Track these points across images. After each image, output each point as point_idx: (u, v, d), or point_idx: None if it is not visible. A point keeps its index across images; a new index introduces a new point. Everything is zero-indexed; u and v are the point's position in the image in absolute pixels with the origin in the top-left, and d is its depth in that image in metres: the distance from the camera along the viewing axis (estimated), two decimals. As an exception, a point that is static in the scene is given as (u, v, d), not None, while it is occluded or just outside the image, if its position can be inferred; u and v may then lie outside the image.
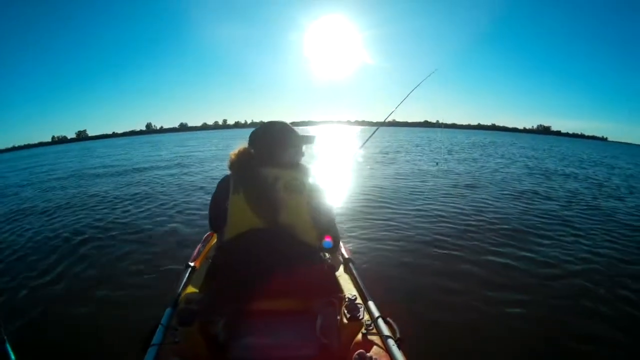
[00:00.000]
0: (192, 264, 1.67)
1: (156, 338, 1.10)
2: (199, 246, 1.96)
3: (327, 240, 1.36)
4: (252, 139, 1.47)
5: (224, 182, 1.42)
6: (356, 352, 1.01)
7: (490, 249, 3.31)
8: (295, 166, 1.43)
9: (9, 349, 1.29)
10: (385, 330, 1.10)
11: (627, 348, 1.96)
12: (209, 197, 1.55)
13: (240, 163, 1.42)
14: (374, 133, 3.45)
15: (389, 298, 2.12)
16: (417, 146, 18.29)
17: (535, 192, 6.05)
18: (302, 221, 1.33)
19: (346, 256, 1.68)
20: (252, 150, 1.46)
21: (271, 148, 1.42)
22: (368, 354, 1.00)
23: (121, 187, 7.25)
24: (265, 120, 1.57)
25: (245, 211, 1.30)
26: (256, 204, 1.30)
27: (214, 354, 1.14)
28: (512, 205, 5.04)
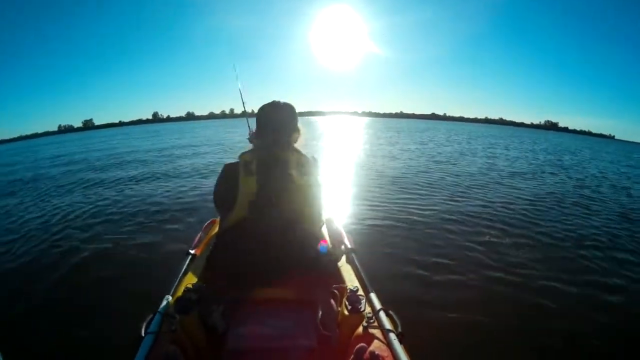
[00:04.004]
0: (192, 252, 1.65)
1: (153, 326, 1.09)
2: (199, 234, 1.95)
3: (323, 244, 1.31)
4: (262, 120, 1.43)
5: (231, 167, 1.39)
6: (356, 347, 0.99)
7: (499, 244, 3.26)
8: (298, 151, 1.41)
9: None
10: (387, 324, 1.09)
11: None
12: (210, 185, 1.49)
13: (258, 148, 1.41)
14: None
15: (391, 291, 2.12)
16: (431, 140, 18.07)
17: (552, 193, 5.86)
18: (307, 209, 1.33)
19: (349, 247, 1.66)
20: (261, 133, 1.44)
21: (280, 131, 1.40)
22: (369, 348, 0.98)
23: (122, 175, 7.27)
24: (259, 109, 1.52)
25: (253, 197, 1.29)
26: (266, 189, 1.29)
27: (212, 343, 1.14)
28: (525, 203, 4.90)
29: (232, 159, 1.42)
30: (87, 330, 2.00)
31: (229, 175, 1.37)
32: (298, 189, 1.30)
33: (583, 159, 13.25)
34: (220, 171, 1.45)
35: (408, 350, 0.99)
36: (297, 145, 1.45)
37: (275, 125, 1.41)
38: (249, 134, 2.00)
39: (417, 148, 12.83)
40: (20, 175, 8.63)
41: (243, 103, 2.54)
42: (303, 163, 1.36)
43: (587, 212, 4.70)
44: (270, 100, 1.47)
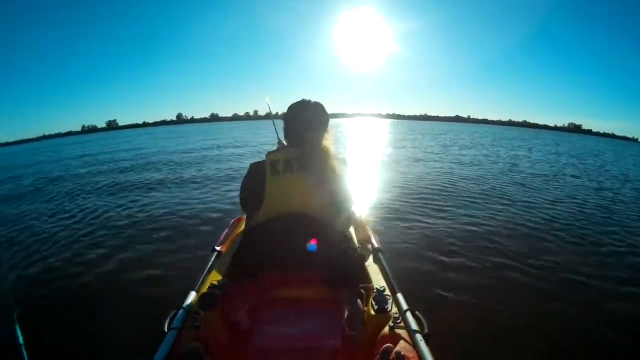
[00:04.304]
0: (218, 249, 1.65)
1: (177, 322, 1.09)
2: (226, 231, 1.94)
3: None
4: (291, 119, 1.42)
5: (258, 166, 1.36)
6: (383, 347, 0.97)
7: (526, 247, 3.17)
8: (328, 150, 1.37)
9: (19, 331, 1.23)
10: (413, 325, 1.07)
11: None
12: (238, 184, 1.51)
13: (286, 147, 1.40)
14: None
15: (418, 292, 2.08)
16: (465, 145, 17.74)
17: (599, 206, 5.56)
18: (335, 209, 1.30)
19: (376, 246, 1.63)
20: (289, 132, 1.43)
21: (310, 130, 1.36)
22: (396, 349, 0.96)
23: (149, 173, 7.40)
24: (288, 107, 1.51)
25: (281, 195, 1.27)
26: (293, 189, 1.28)
27: (236, 341, 1.12)
28: (564, 209, 4.73)
29: (260, 158, 1.40)
30: (110, 325, 1.99)
31: (256, 174, 1.35)
32: (327, 189, 1.28)
33: (606, 162, 12.91)
34: (247, 170, 1.42)
35: (434, 352, 0.96)
36: (327, 145, 1.41)
37: (305, 124, 1.37)
38: (278, 142, 2.01)
39: (441, 150, 12.68)
40: (46, 174, 8.84)
41: (269, 105, 2.57)
42: (333, 163, 1.32)
43: (608, 214, 4.59)
44: (297, 100, 1.45)
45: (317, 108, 1.42)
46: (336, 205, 1.30)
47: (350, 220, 1.47)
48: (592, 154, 16.38)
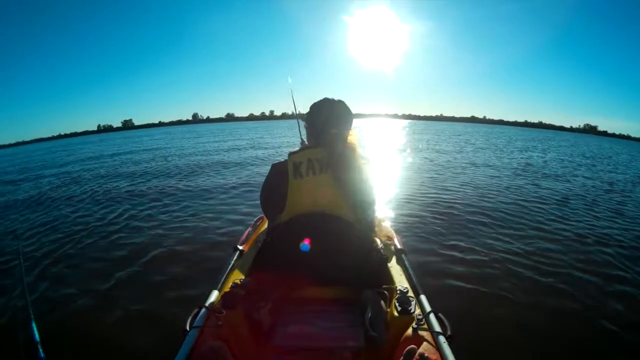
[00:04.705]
0: (240, 248, 1.65)
1: (199, 320, 1.09)
2: (248, 230, 1.95)
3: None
4: (314, 118, 1.41)
5: (279, 167, 1.35)
6: (407, 348, 0.97)
7: (558, 253, 3.09)
8: (353, 149, 1.36)
9: (35, 328, 1.23)
10: (436, 326, 1.06)
11: None
12: (260, 182, 1.50)
13: (309, 147, 1.39)
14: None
15: (440, 293, 2.09)
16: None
17: (585, 196, 5.64)
18: (358, 209, 1.29)
19: (399, 247, 1.63)
20: (312, 131, 1.42)
21: (334, 129, 1.35)
22: (419, 350, 0.96)
23: (173, 173, 7.48)
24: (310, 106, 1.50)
25: (304, 197, 1.27)
26: (316, 190, 1.27)
27: (257, 340, 1.12)
28: (601, 215, 4.57)
29: (281, 157, 1.38)
30: (130, 324, 1.99)
31: (277, 176, 1.33)
32: (351, 189, 1.27)
33: (619, 162, 12.78)
34: (268, 171, 1.41)
35: (457, 354, 0.97)
36: (352, 143, 1.39)
37: (329, 122, 1.36)
38: (301, 141, 1.99)
39: (459, 150, 12.65)
40: (64, 173, 8.97)
41: (294, 103, 2.55)
42: (358, 162, 1.31)
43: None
44: (307, 104, 1.45)
45: (341, 106, 1.41)
46: (360, 205, 1.29)
47: (374, 220, 1.46)
48: (605, 155, 16.11)
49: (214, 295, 1.25)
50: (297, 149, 1.39)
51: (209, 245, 3.07)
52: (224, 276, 1.39)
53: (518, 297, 2.32)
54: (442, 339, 1.01)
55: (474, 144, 16.79)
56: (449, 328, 1.06)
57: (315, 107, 1.42)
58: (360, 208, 1.29)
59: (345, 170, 1.26)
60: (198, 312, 1.13)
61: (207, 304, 1.18)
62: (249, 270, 1.43)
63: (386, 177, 6.52)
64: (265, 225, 1.90)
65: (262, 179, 1.45)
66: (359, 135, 1.47)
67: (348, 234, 1.23)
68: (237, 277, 1.37)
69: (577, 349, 1.90)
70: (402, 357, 0.95)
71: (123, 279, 2.57)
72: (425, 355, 0.93)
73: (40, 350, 1.11)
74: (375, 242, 1.40)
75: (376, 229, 1.71)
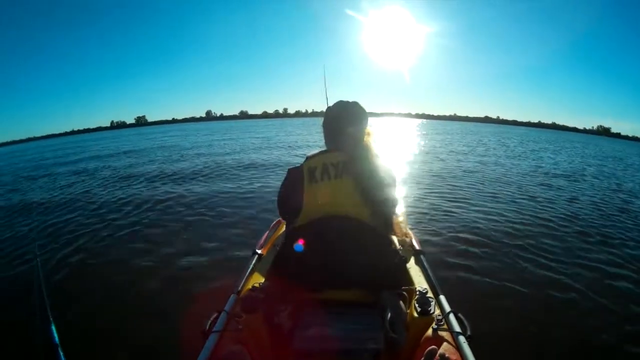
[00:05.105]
0: (259, 252, 1.66)
1: (218, 324, 1.10)
2: (266, 233, 1.95)
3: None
4: (329, 121, 1.42)
5: (295, 172, 1.36)
6: (427, 349, 0.97)
7: (578, 254, 3.09)
8: (369, 151, 1.36)
9: (54, 331, 1.23)
10: (456, 327, 1.07)
11: None
12: (277, 184, 1.51)
13: (325, 150, 1.39)
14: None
15: (459, 293, 2.07)
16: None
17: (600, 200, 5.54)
18: (377, 210, 1.29)
19: (417, 248, 1.64)
20: (328, 135, 1.43)
21: (350, 132, 1.36)
22: (439, 351, 0.96)
23: (190, 170, 7.45)
24: (325, 110, 1.50)
25: (320, 201, 1.27)
26: (333, 193, 1.27)
27: (277, 344, 1.12)
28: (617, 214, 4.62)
29: (300, 157, 1.40)
30: (151, 328, 1.98)
31: (293, 181, 1.34)
32: (368, 191, 1.26)
33: (630, 164, 12.76)
34: (285, 176, 1.42)
35: (477, 354, 0.97)
36: (368, 144, 1.40)
37: (344, 124, 1.36)
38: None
39: (473, 150, 12.70)
40: (81, 166, 9.14)
41: (327, 100, 2.59)
42: (374, 163, 1.32)
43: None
44: (321, 102, 1.46)
45: (355, 108, 1.41)
46: (378, 207, 1.29)
47: (392, 221, 1.45)
48: (616, 157, 16.01)
49: (233, 299, 1.25)
50: (314, 152, 1.38)
51: (226, 249, 3.06)
52: (243, 280, 1.40)
53: (540, 297, 2.32)
54: (462, 339, 1.02)
55: (484, 143, 16.82)
56: (468, 328, 1.06)
57: (330, 110, 1.43)
58: (379, 209, 1.29)
59: (361, 172, 1.27)
60: (218, 316, 1.14)
61: (226, 308, 1.19)
62: (267, 274, 1.43)
63: (401, 176, 6.50)
64: (283, 229, 1.90)
65: (279, 182, 1.46)
66: (375, 135, 1.47)
67: (366, 235, 1.23)
68: (256, 280, 1.39)
69: (604, 354, 1.88)
70: (422, 358, 0.95)
71: (139, 282, 2.56)
72: (446, 355, 0.94)
73: (61, 354, 1.11)
74: (393, 243, 1.39)
75: (394, 229, 1.70)
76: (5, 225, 4.27)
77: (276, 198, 1.48)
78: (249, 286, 1.30)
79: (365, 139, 1.38)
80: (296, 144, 13.52)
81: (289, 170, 1.40)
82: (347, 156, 1.29)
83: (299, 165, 1.37)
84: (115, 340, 1.92)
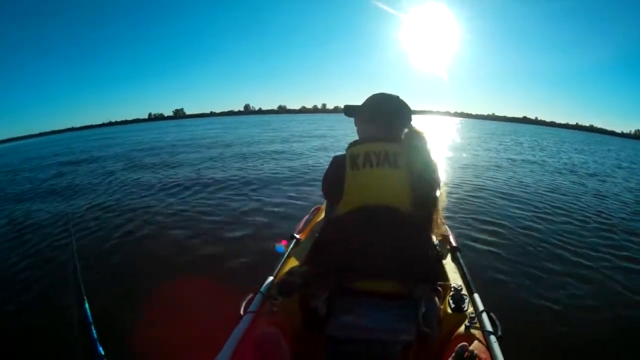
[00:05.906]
0: (297, 236, 1.68)
1: (254, 305, 1.13)
2: (305, 218, 1.97)
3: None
4: (370, 111, 1.42)
5: (338, 159, 1.36)
6: (458, 345, 0.97)
7: (612, 254, 3.01)
8: (413, 139, 1.34)
9: (88, 309, 1.25)
10: (488, 326, 1.07)
11: None
12: (320, 171, 1.57)
13: (366, 140, 1.37)
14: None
15: (493, 292, 2.07)
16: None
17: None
18: (419, 200, 1.26)
19: (454, 244, 1.63)
20: (368, 124, 1.43)
21: (392, 123, 1.37)
22: (469, 348, 0.96)
23: (233, 155, 7.75)
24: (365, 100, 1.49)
25: (360, 189, 1.27)
26: (374, 183, 1.27)
27: (310, 328, 1.13)
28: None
29: (342, 149, 1.40)
30: (184, 306, 2.00)
31: (336, 168, 1.34)
32: (411, 182, 1.25)
33: None
34: (329, 163, 1.42)
35: (507, 354, 0.97)
36: (414, 135, 1.37)
37: (386, 116, 1.37)
38: None
39: (515, 150, 12.52)
40: (121, 156, 9.45)
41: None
42: (420, 154, 1.30)
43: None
44: (360, 98, 1.45)
45: (400, 100, 1.41)
46: (424, 200, 1.27)
47: (434, 216, 1.39)
48: None
49: (270, 282, 1.28)
50: (355, 141, 1.38)
51: (265, 232, 3.12)
52: (280, 263, 1.43)
53: (579, 306, 2.26)
54: (493, 338, 1.02)
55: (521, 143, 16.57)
56: (500, 328, 1.05)
57: (374, 99, 1.43)
58: (424, 202, 1.27)
59: (405, 163, 1.26)
60: (253, 298, 1.16)
61: (262, 290, 1.21)
62: (304, 259, 1.44)
63: (445, 175, 6.41)
64: (322, 215, 1.91)
65: (323, 167, 1.46)
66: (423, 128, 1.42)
67: (405, 227, 1.22)
68: (293, 264, 1.41)
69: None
70: (453, 354, 0.95)
71: (175, 262, 2.61)
72: (475, 353, 0.93)
73: (94, 332, 1.13)
74: (432, 238, 1.35)
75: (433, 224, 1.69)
76: (44, 207, 4.46)
77: (318, 184, 1.52)
78: (286, 270, 1.32)
79: (419, 131, 1.35)
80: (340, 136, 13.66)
81: (334, 157, 1.41)
82: (393, 146, 1.29)
83: (342, 153, 1.38)
84: (149, 319, 1.92)
